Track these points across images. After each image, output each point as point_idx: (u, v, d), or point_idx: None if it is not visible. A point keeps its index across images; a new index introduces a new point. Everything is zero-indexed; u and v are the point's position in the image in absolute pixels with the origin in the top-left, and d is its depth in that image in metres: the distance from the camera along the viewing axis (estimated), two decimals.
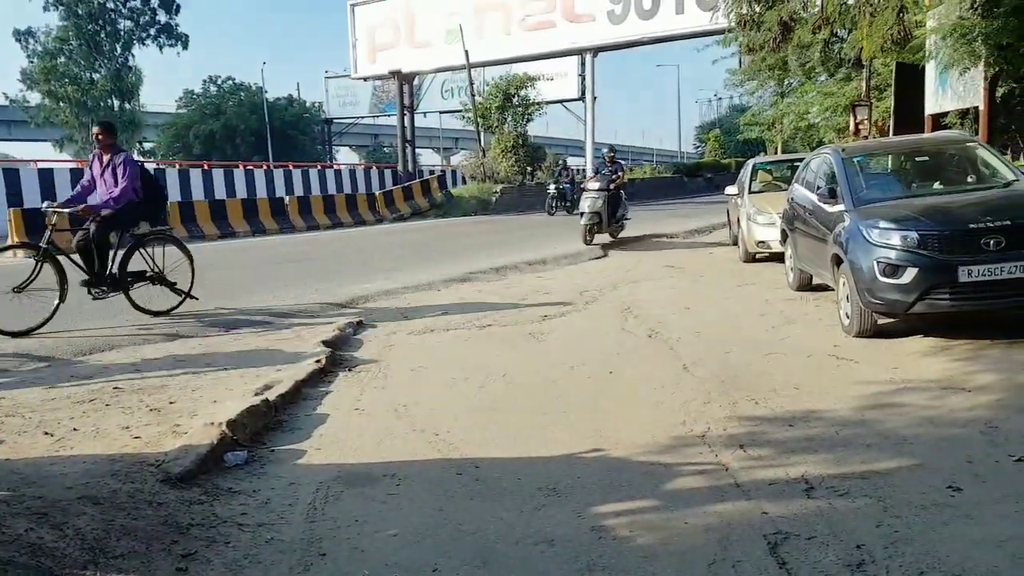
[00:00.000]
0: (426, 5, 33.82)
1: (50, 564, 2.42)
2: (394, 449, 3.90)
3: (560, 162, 17.83)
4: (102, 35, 43.65)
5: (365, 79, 39.73)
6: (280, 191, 27.45)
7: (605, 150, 14.88)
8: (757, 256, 10.79)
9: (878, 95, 15.70)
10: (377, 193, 23.93)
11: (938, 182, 6.81)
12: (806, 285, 8.15)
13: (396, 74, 34.99)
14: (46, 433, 3.73)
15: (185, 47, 47.44)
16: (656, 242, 14.94)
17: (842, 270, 6.30)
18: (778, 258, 9.40)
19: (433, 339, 6.53)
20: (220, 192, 25.89)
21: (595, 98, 34.03)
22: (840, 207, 6.58)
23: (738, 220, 11.70)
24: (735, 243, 12.20)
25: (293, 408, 4.50)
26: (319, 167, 33.57)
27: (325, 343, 5.85)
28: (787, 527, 3.02)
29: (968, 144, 7.23)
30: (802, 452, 3.83)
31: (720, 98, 60.15)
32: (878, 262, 5.75)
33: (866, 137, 13.93)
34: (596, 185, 13.29)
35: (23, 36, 42.59)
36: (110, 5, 44.25)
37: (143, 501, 3.00)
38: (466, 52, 28.17)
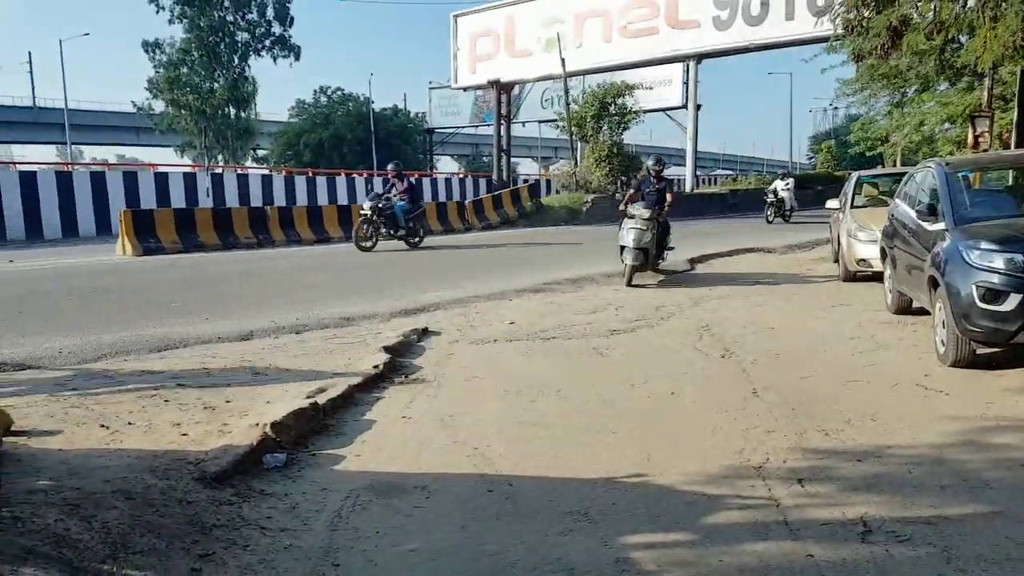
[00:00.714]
0: (525, 14, 34.04)
1: (71, 555, 2.50)
2: (432, 460, 3.86)
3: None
4: (221, 46, 46.25)
5: (465, 89, 40.42)
6: None
7: (650, 162, 11.07)
8: (858, 275, 10.18)
9: (1003, 105, 14.53)
10: (467, 202, 24.20)
11: None
12: (905, 308, 7.59)
13: (495, 84, 35.37)
14: (102, 426, 3.91)
15: (298, 58, 49.65)
16: (751, 257, 14.40)
17: (939, 293, 5.82)
18: (879, 278, 8.82)
19: (494, 350, 6.47)
20: (322, 198, 26.93)
21: (699, 106, 33.25)
22: (940, 225, 6.10)
23: (839, 236, 11.10)
24: (836, 260, 11.57)
25: (343, 413, 4.55)
26: (416, 176, 34.35)
27: (386, 349, 5.90)
28: (831, 573, 2.77)
29: None
30: (866, 491, 3.52)
31: (836, 108, 57.44)
32: (977, 286, 5.27)
33: (985, 151, 12.89)
34: (645, 213, 10.10)
35: (151, 47, 45.69)
36: (229, 18, 46.84)
37: (174, 499, 3.07)
38: (562, 60, 28.12)
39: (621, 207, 10.67)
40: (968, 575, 2.75)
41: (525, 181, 33.54)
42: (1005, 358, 5.57)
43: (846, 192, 11.51)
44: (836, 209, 11.67)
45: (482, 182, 36.00)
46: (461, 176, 41.21)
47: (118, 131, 56.40)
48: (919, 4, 9.55)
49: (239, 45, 47.45)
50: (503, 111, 36.31)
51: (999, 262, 5.24)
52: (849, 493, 3.50)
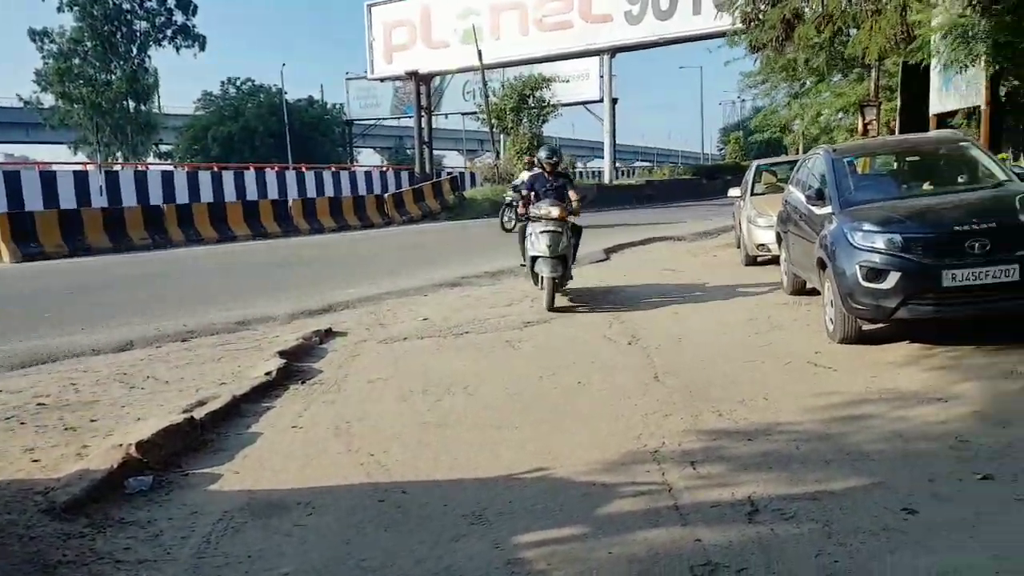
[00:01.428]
0: (441, 5, 33.71)
1: None
2: (320, 472, 3.68)
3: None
4: (117, 36, 43.79)
5: (382, 80, 39.75)
6: (293, 193, 27.45)
7: (541, 153, 8.51)
8: (758, 259, 10.48)
9: (888, 95, 15.24)
10: (386, 195, 23.80)
11: (928, 183, 6.48)
12: (800, 289, 7.83)
13: (413, 75, 34.93)
14: None
15: (203, 48, 47.52)
16: (661, 244, 14.66)
17: (827, 274, 6.00)
18: (778, 261, 9.09)
19: (403, 348, 6.31)
20: (230, 195, 25.93)
21: (615, 100, 33.72)
22: (828, 209, 6.28)
23: (740, 223, 11.38)
24: (739, 246, 11.89)
25: (225, 426, 4.29)
26: (333, 169, 33.60)
27: (282, 353, 5.65)
28: (719, 557, 2.76)
29: (961, 144, 6.90)
30: (755, 470, 3.56)
31: (743, 100, 59.34)
32: (860, 266, 5.45)
33: (874, 137, 13.50)
34: (554, 211, 7.69)
35: (38, 36, 42.84)
36: (126, 6, 44.30)
37: (14, 535, 2.79)
38: (479, 52, 27.97)
39: (520, 207, 8.21)
40: (847, 548, 2.80)
41: (449, 174, 33.20)
42: (889, 333, 5.79)
43: (747, 180, 11.81)
44: (738, 197, 11.96)
45: (404, 175, 35.50)
46: (383, 169, 40.46)
47: (3, 127, 52.78)
48: None
49: (137, 35, 45.14)
50: (423, 103, 35.91)
51: (880, 242, 5.44)
52: (739, 472, 3.54)
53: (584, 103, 37.94)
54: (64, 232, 15.37)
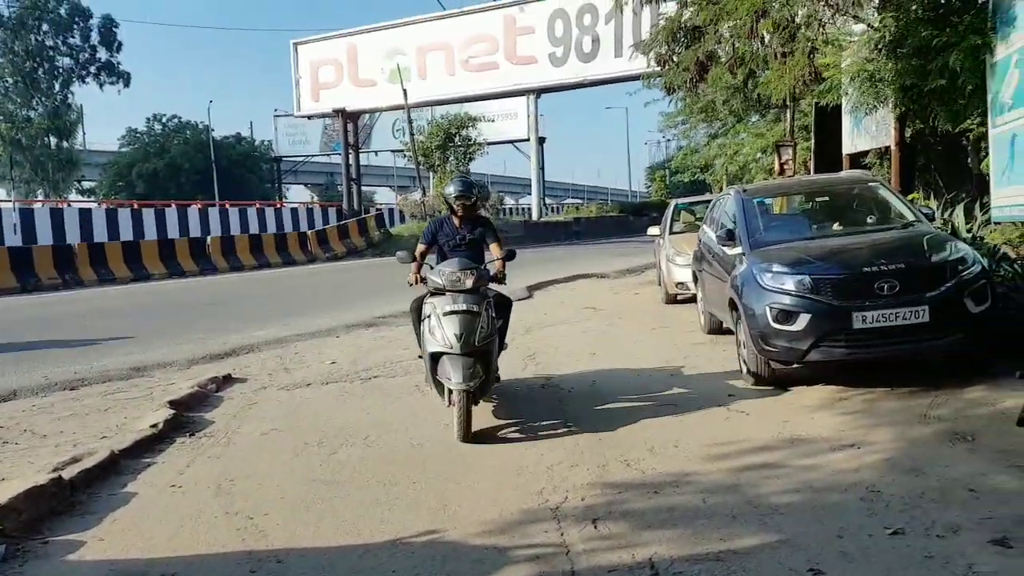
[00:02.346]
0: (368, 44, 33.80)
1: None
2: (192, 539, 3.36)
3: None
4: (39, 72, 42.63)
5: (309, 117, 39.38)
6: (217, 231, 26.68)
7: (450, 188, 5.59)
8: (678, 297, 10.57)
9: (805, 135, 15.83)
10: (309, 232, 23.37)
11: (838, 223, 6.60)
12: (717, 328, 7.85)
13: (340, 112, 34.70)
14: None
15: (127, 85, 46.74)
16: (585, 282, 14.72)
17: (738, 314, 6.01)
18: (696, 300, 9.18)
19: (305, 395, 6.01)
20: (150, 233, 25.02)
21: (542, 139, 34.24)
22: (738, 249, 6.32)
23: (660, 261, 11.51)
24: (660, 284, 12.01)
25: (99, 485, 3.93)
26: (258, 205, 32.88)
27: (172, 404, 5.28)
28: None
29: (870, 184, 7.08)
30: (659, 527, 3.42)
31: (668, 139, 61.21)
32: (771, 307, 5.47)
33: (790, 177, 13.94)
34: (467, 278, 4.99)
35: None
36: (48, 43, 43.36)
37: None
38: (404, 91, 28.05)
39: (411, 276, 5.37)
40: None
41: (377, 210, 32.91)
42: (805, 375, 5.81)
43: (665, 219, 11.99)
44: (658, 235, 12.12)
45: (332, 212, 35.02)
46: (311, 206, 39.83)
47: None
48: (721, 41, 10.12)
49: (60, 71, 43.95)
50: (351, 140, 35.67)
51: (789, 283, 5.47)
52: (641, 531, 3.39)
53: (513, 141, 38.48)
54: None
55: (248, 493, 3.89)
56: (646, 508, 3.65)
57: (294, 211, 34.22)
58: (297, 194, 66.21)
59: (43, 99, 42.94)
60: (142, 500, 3.80)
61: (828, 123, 11.78)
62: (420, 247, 5.46)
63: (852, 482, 3.84)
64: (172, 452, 4.54)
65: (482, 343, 4.72)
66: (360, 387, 6.25)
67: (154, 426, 4.76)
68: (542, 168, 38.09)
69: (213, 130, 52.49)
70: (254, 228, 28.21)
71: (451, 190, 5.44)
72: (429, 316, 4.84)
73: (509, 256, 5.40)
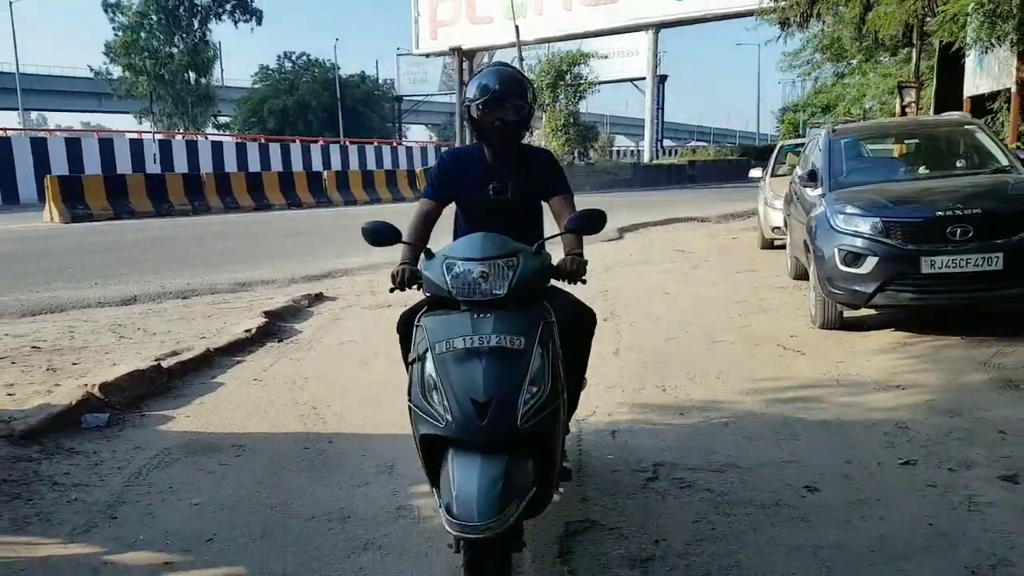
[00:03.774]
0: None
1: None
2: (263, 420, 3.92)
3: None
4: (181, 10, 45.18)
5: (427, 55, 40.06)
6: (337, 166, 27.97)
7: (473, 88, 2.62)
8: (775, 243, 10.34)
9: (932, 76, 14.71)
10: (418, 170, 24.11)
11: (926, 167, 6.34)
12: (803, 274, 7.70)
13: (456, 51, 35.08)
14: None
15: (259, 23, 48.79)
16: (683, 225, 14.57)
17: (810, 257, 5.97)
18: None
19: (385, 314, 6.49)
20: (276, 166, 26.60)
21: (663, 77, 33.30)
22: (819, 191, 6.22)
23: (759, 205, 11.25)
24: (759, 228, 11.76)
25: (194, 375, 4.57)
26: (376, 144, 34.03)
27: (266, 314, 5.92)
28: (597, 515, 2.89)
29: (967, 127, 6.69)
30: (673, 442, 3.65)
31: (803, 80, 57.63)
32: (839, 249, 5.42)
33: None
34: (499, 283, 2.16)
35: (111, 8, 44.45)
36: None
37: None
38: (516, 27, 27.95)
39: (396, 268, 2.55)
40: (729, 518, 2.88)
41: None
42: (876, 321, 5.74)
43: (770, 161, 11.64)
44: (759, 178, 11.81)
45: (444, 151, 35.78)
46: (425, 145, 40.82)
47: (79, 96, 54.90)
48: None
49: (199, 9, 46.43)
50: (465, 79, 36.02)
51: (861, 226, 5.39)
52: (656, 443, 3.63)
53: (631, 80, 37.51)
54: (110, 196, 16.09)
55: (317, 389, 4.41)
56: (667, 426, 3.87)
57: (409, 150, 35.21)
58: (417, 133, 67.62)
59: (184, 36, 45.55)
60: (227, 389, 4.40)
61: (951, 63, 10.97)
62: (421, 205, 2.84)
63: (883, 419, 3.89)
64: (260, 354, 5.15)
65: (532, 420, 2.06)
66: None
67: (248, 331, 5.38)
68: (660, 108, 37.15)
69: (339, 68, 54.22)
70: (371, 165, 29.34)
71: (473, 90, 2.64)
72: (423, 355, 2.14)
73: (586, 223, 2.50)
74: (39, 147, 21.63)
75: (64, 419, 3.59)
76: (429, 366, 2.08)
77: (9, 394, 3.88)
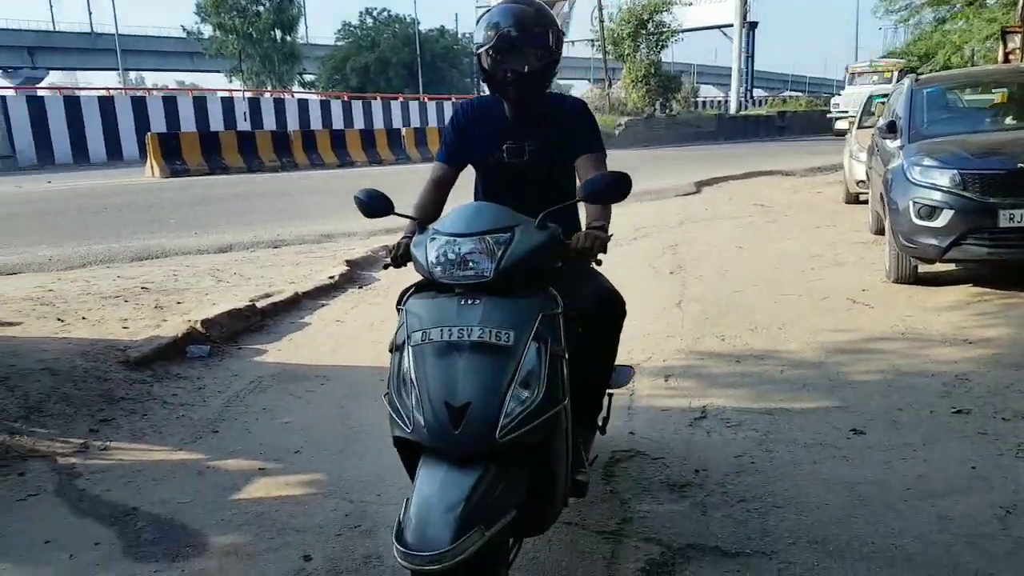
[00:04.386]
0: None
1: None
2: (344, 355, 4.28)
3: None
4: None
5: None
6: (416, 122, 28.40)
7: (480, 30, 2.25)
8: (860, 197, 10.05)
9: None
10: None
11: (1015, 117, 6.08)
12: (883, 228, 7.57)
13: None
14: (58, 319, 4.45)
15: None
16: (765, 179, 14.26)
17: (885, 210, 5.90)
18: None
19: None
20: (359, 123, 27.24)
21: (752, 24, 32.05)
22: (897, 142, 6.09)
23: (845, 157, 10.93)
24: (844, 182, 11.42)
25: (283, 315, 5.00)
26: (454, 99, 34.21)
27: (348, 262, 6.31)
28: (643, 447, 3.09)
29: None
30: (725, 387, 3.79)
31: (901, 27, 54.16)
32: (914, 202, 5.34)
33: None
34: (484, 263, 1.85)
35: None
36: None
37: (94, 376, 3.58)
38: None
39: (394, 243, 2.29)
40: (771, 454, 3.04)
41: None
42: (951, 277, 5.65)
43: (857, 111, 11.23)
44: (845, 130, 11.43)
45: None
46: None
47: (172, 56, 57.15)
48: None
49: None
50: None
51: (938, 178, 5.28)
52: (708, 388, 3.79)
53: (719, 27, 36.20)
54: (205, 152, 16.97)
55: (391, 329, 4.73)
56: (721, 373, 4.02)
57: None
58: None
59: None
60: (313, 328, 4.81)
61: None
62: (433, 170, 2.52)
63: (943, 371, 3.91)
64: (342, 298, 5.54)
65: (517, 431, 1.73)
66: None
67: (331, 277, 5.79)
68: (750, 56, 35.88)
69: (419, 23, 54.42)
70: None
71: (480, 32, 2.27)
72: (402, 344, 1.89)
73: (605, 188, 2.07)
74: (139, 106, 22.84)
75: (171, 349, 4.05)
76: (406, 359, 1.80)
77: (124, 327, 4.38)
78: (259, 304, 4.89)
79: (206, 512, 2.62)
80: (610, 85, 27.64)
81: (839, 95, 27.81)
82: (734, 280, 6.09)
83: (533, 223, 1.93)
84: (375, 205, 2.16)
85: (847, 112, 25.77)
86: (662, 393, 3.71)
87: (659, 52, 27.22)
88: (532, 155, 2.34)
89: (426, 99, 33.10)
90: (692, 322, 4.90)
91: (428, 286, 1.94)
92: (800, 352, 4.31)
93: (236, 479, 2.83)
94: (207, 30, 46.96)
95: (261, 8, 45.73)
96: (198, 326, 4.31)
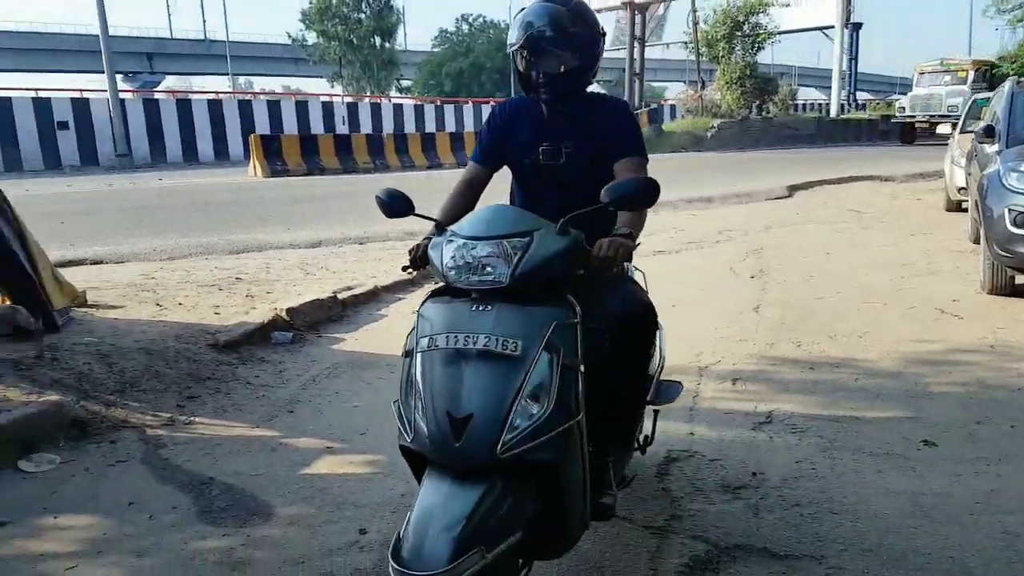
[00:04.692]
0: None
1: (87, 387, 3.33)
2: None
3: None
4: None
5: (599, 11, 39.44)
6: None
7: (514, 31, 2.17)
8: (962, 205, 9.55)
9: None
10: None
11: None
12: None
13: (628, 4, 34.31)
14: (157, 304, 4.81)
15: None
16: (862, 184, 13.71)
17: (980, 218, 5.61)
18: None
19: None
20: (451, 126, 27.82)
21: (856, 25, 30.75)
22: (995, 147, 5.80)
23: (946, 163, 10.40)
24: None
25: (363, 307, 5.23)
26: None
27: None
28: (701, 448, 3.08)
29: None
30: (797, 393, 3.72)
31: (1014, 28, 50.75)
32: (1010, 210, 5.08)
33: None
34: (500, 267, 1.77)
35: None
36: None
37: (184, 357, 3.86)
38: None
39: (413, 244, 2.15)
40: (833, 461, 2.97)
41: (647, 106, 32.67)
42: None
43: (960, 116, 10.66)
44: (947, 135, 10.87)
45: None
46: None
47: (278, 62, 59.78)
48: None
49: None
50: (637, 33, 35.28)
51: None
52: (776, 393, 3.71)
53: (819, 28, 34.90)
54: (304, 154, 17.76)
55: None
56: (792, 379, 3.93)
57: None
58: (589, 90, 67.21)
59: (371, 1, 48.07)
60: (388, 320, 5.00)
61: None
62: (466, 171, 2.49)
63: None
64: (418, 292, 5.70)
65: (521, 447, 1.64)
66: None
67: (410, 273, 5.96)
68: (854, 58, 34.47)
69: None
70: None
71: (513, 32, 2.21)
72: (412, 350, 1.86)
73: (630, 193, 1.91)
74: (245, 109, 24.10)
75: (257, 334, 4.32)
76: (416, 364, 1.76)
77: (216, 313, 4.68)
78: (340, 296, 5.13)
79: (275, 485, 2.80)
80: (703, 87, 27.08)
81: (903, 97, 26.44)
82: (818, 286, 5.92)
83: (554, 228, 1.83)
84: (395, 205, 2.12)
85: (914, 116, 24.08)
86: (727, 396, 3.67)
87: (755, 54, 26.50)
88: (569, 157, 2.26)
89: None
90: (768, 327, 4.80)
91: (447, 291, 1.86)
92: (879, 361, 4.17)
93: (305, 456, 3.01)
94: (311, 37, 49.01)
95: (362, 16, 47.36)
96: (283, 314, 4.57)
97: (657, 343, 2.48)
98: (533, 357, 1.66)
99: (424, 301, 1.89)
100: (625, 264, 2.32)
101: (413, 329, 1.84)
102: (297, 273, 6.10)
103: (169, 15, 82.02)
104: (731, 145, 24.33)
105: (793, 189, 12.49)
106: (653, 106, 29.37)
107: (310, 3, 47.75)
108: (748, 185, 12.66)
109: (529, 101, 2.33)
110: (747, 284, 6.07)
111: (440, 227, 1.97)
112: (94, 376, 3.47)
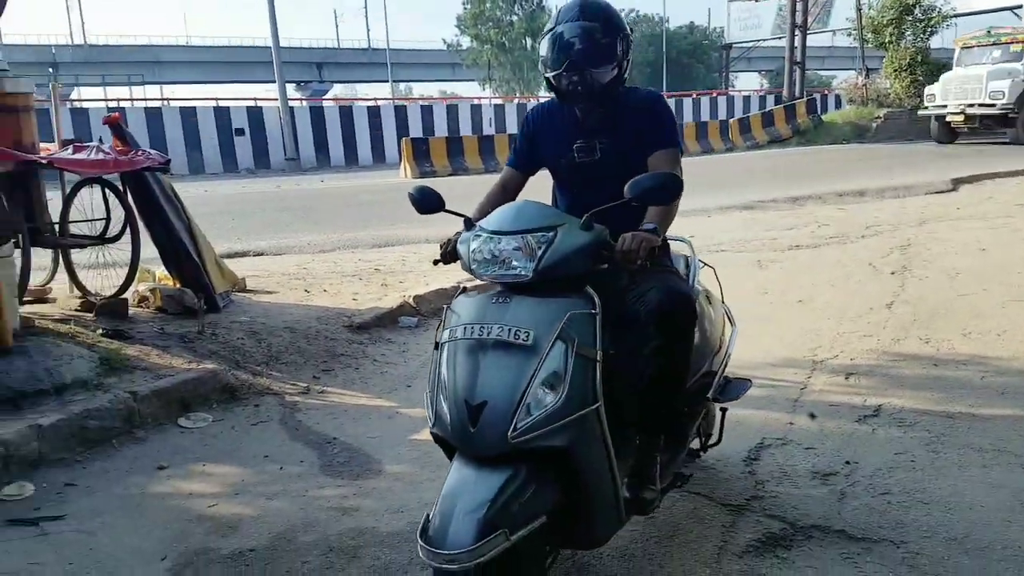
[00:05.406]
0: None
1: (239, 358, 3.86)
2: None
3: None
4: None
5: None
6: None
7: (545, 46, 2.25)
8: None
9: None
10: (731, 120, 23.42)
11: None
12: None
13: None
14: (305, 291, 5.34)
15: None
16: None
17: None
18: None
19: None
20: None
21: None
22: None
23: None
24: None
25: None
26: (694, 96, 33.61)
27: None
28: (797, 437, 3.09)
29: None
30: (911, 388, 3.60)
31: None
32: None
33: None
34: (522, 262, 1.86)
35: None
36: None
37: (322, 336, 4.32)
38: None
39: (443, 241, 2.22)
40: (937, 455, 2.90)
41: (809, 96, 31.04)
42: None
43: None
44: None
45: (769, 99, 33.98)
46: (748, 93, 39.12)
47: (435, 67, 62.31)
48: None
49: None
50: (799, 20, 33.63)
51: None
52: (890, 388, 3.61)
53: (1009, 8, 31.57)
54: (450, 155, 18.55)
55: None
56: (911, 375, 3.79)
57: (730, 100, 34.12)
58: (746, 82, 64.43)
59: (523, 4, 49.02)
60: None
61: None
62: (503, 174, 2.52)
63: None
64: None
65: (531, 433, 1.71)
66: (707, 257, 6.90)
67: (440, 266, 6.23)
68: None
69: (667, 20, 54.07)
70: (687, 117, 29.18)
71: (543, 47, 2.27)
72: (439, 342, 1.93)
73: (652, 186, 1.92)
74: (400, 113, 25.46)
75: (387, 318, 4.73)
76: (442, 355, 1.85)
77: (354, 299, 5.16)
78: (465, 285, 5.44)
79: (387, 447, 3.14)
80: (867, 75, 25.34)
81: (936, 82, 19.13)
82: (962, 283, 5.55)
83: (578, 223, 1.88)
84: (426, 203, 2.19)
85: (946, 106, 17.74)
86: (837, 389, 3.62)
87: (927, 39, 24.39)
88: (604, 153, 2.27)
89: (666, 96, 32.86)
90: (898, 323, 4.61)
91: (480, 285, 1.95)
92: (1011, 360, 3.92)
93: (416, 424, 3.32)
94: (465, 42, 50.79)
95: (514, 18, 48.45)
96: (411, 301, 4.97)
97: (725, 340, 2.56)
98: (546, 346, 1.72)
99: (456, 295, 1.98)
100: (687, 257, 2.53)
101: (441, 322, 1.94)
102: (428, 266, 6.51)
103: (337, 26, 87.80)
104: (898, 136, 22.64)
105: (958, 183, 11.54)
106: (810, 97, 27.81)
107: (465, 8, 49.51)
108: (908, 178, 11.83)
109: (553, 105, 2.39)
110: (885, 280, 5.80)
111: (469, 223, 2.04)
112: (245, 349, 4.00)
